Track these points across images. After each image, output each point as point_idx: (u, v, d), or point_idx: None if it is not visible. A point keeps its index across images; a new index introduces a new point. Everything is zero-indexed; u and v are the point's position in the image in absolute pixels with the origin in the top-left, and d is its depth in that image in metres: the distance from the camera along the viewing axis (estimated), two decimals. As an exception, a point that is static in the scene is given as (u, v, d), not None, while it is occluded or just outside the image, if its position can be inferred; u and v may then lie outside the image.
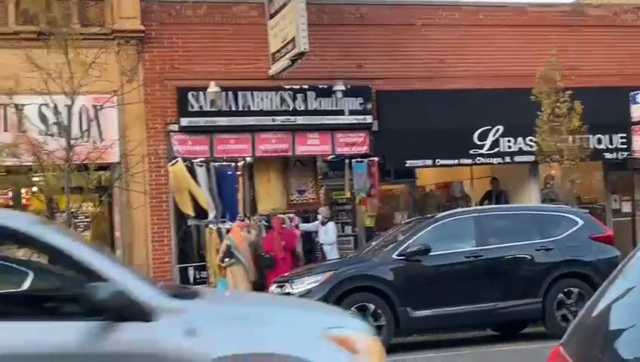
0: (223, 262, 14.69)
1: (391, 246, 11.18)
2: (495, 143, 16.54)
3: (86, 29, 14.18)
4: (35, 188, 14.55)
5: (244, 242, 14.95)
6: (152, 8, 15.37)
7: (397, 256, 10.71)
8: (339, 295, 10.37)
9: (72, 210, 12.50)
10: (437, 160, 16.35)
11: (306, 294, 10.56)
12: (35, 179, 13.67)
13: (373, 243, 12.88)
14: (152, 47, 15.31)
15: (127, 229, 15.07)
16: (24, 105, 13.11)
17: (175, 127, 15.35)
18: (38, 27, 14.04)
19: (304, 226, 15.69)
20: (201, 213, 15.52)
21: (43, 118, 13.68)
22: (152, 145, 15.04)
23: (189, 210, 15.34)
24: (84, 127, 14.09)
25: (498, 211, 12.35)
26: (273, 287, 11.19)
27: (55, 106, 12.51)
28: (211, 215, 15.43)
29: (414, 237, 10.89)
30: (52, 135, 12.59)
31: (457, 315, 10.71)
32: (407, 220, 13.71)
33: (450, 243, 10.95)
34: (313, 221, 15.89)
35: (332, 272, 10.71)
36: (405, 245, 10.79)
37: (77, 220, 14.25)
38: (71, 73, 12.02)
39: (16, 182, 14.00)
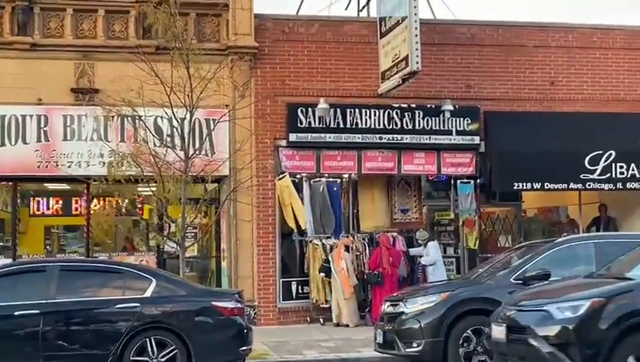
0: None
1: (507, 269, 10.96)
2: (607, 169, 16.14)
3: (201, 45, 14.50)
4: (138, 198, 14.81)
5: (342, 260, 14.99)
6: (265, 25, 15.67)
7: (515, 279, 10.48)
8: (455, 316, 10.23)
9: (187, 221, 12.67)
10: (546, 183, 16.03)
11: (419, 314, 10.46)
12: (145, 189, 13.97)
13: (483, 266, 12.68)
14: (265, 63, 15.58)
15: (233, 242, 15.29)
16: (141, 116, 13.41)
17: (283, 143, 15.55)
18: (157, 41, 14.58)
19: (413, 251, 15.64)
20: (301, 228, 15.68)
21: (158, 129, 14.04)
22: (261, 160, 15.26)
23: (292, 224, 15.52)
24: (197, 140, 14.38)
25: (617, 238, 11.95)
26: (386, 306, 11.10)
27: (172, 119, 12.79)
28: (309, 230, 15.55)
29: (533, 262, 10.67)
30: (169, 146, 12.86)
31: None
32: (519, 244, 13.43)
33: (570, 269, 10.67)
34: (416, 242, 15.84)
35: (448, 293, 10.57)
36: (523, 269, 10.57)
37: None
38: (191, 87, 12.28)
39: (124, 191, 14.26)
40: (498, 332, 8.92)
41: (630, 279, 8.64)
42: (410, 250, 15.65)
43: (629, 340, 8.01)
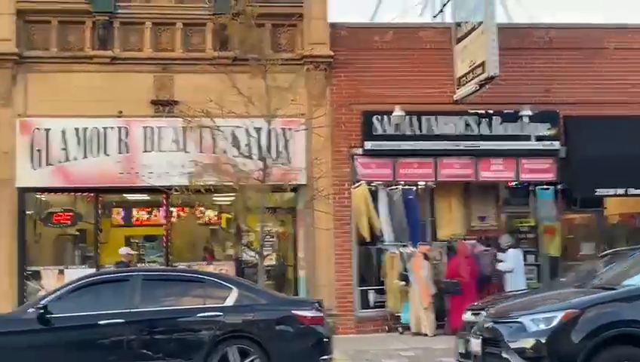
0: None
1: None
2: (693, 173, 15.57)
3: (277, 55, 14.58)
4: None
5: (421, 269, 14.85)
6: (340, 34, 15.68)
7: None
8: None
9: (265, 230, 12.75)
10: (629, 189, 15.56)
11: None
12: (223, 198, 14.13)
13: (566, 274, 12.37)
14: (340, 72, 15.59)
15: (311, 250, 15.31)
16: (219, 127, 13.56)
17: (359, 151, 15.51)
18: (234, 53, 14.76)
19: (501, 256, 15.38)
20: (376, 237, 15.61)
21: (235, 139, 14.16)
22: (337, 168, 15.26)
23: (366, 233, 15.46)
24: (275, 150, 14.47)
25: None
26: (468, 315, 10.92)
27: (248, 129, 12.91)
28: (386, 239, 15.47)
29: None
30: (247, 156, 12.97)
31: None
32: (603, 252, 13.05)
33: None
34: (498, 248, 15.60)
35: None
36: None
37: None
38: (268, 97, 12.38)
39: (203, 201, 14.41)
40: (475, 344, 8.61)
41: (613, 289, 8.17)
42: (499, 254, 15.41)
43: (605, 355, 7.47)
